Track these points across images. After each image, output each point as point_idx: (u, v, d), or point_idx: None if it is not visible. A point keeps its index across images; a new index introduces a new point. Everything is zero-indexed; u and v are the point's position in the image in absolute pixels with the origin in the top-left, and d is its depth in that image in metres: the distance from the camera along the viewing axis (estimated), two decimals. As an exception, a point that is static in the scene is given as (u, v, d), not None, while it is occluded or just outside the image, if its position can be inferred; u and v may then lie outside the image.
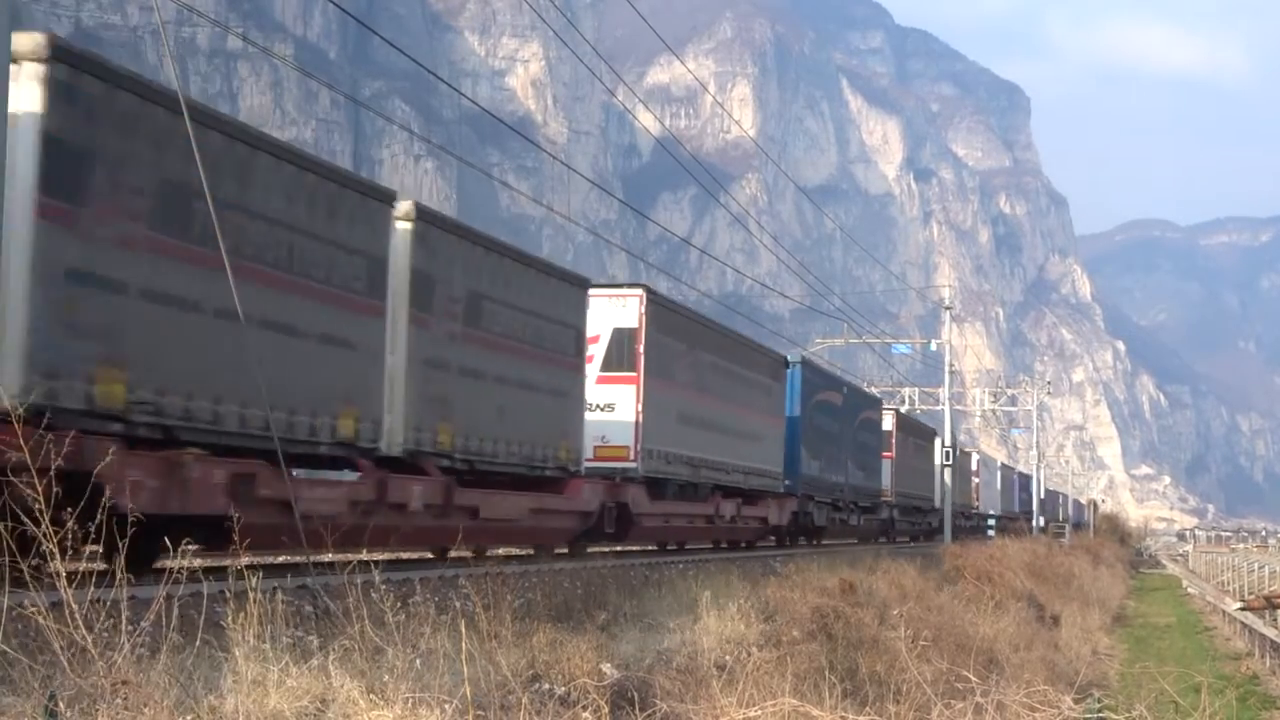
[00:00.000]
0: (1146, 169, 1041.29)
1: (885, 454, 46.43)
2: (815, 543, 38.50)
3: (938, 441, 51.87)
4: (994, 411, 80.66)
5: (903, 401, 64.02)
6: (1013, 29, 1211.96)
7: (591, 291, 23.02)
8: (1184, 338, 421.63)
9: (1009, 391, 76.72)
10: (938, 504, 52.35)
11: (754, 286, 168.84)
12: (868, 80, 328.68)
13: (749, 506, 30.57)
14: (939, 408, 53.64)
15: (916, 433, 54.22)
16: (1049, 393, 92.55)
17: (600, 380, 23.20)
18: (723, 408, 28.48)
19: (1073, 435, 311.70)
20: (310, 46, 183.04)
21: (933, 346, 58.99)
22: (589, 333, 22.65)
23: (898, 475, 48.21)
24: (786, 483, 33.53)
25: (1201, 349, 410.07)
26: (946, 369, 51.32)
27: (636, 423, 23.70)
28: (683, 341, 26.41)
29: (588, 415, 22.26)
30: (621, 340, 23.75)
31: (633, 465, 23.57)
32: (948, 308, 53.48)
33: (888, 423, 48.30)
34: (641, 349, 23.85)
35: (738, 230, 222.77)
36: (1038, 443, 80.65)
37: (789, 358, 35.35)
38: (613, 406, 23.50)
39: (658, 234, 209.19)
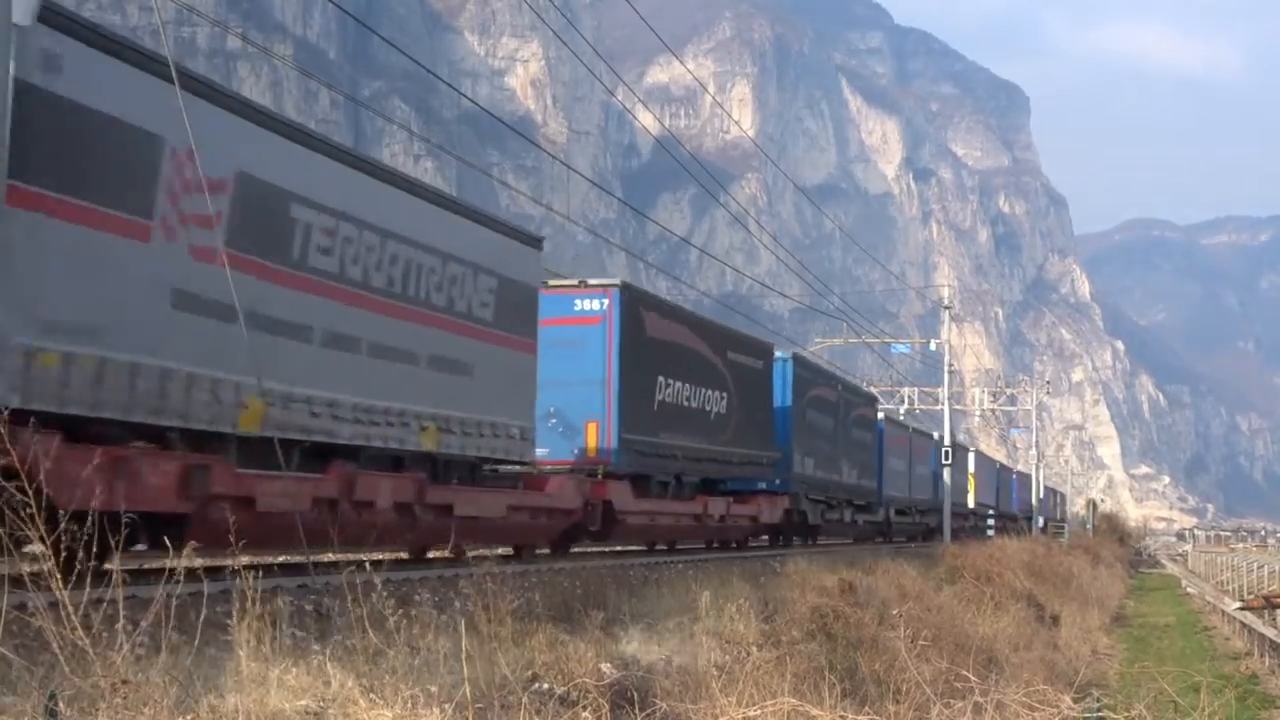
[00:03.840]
0: (1146, 169, 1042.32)
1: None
2: (810, 542, 37.72)
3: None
4: (993, 411, 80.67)
5: (902, 401, 64.07)
6: (1012, 29, 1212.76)
7: None
8: (1183, 337, 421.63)
9: (1008, 391, 76.77)
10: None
11: (754, 286, 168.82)
12: (867, 80, 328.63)
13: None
14: (938, 408, 53.66)
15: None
16: (1048, 392, 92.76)
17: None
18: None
19: (1072, 435, 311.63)
20: (310, 46, 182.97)
21: (932, 346, 58.99)
22: None
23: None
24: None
25: (1201, 349, 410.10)
26: (946, 369, 51.35)
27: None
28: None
29: None
30: None
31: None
32: (947, 307, 53.51)
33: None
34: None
35: (737, 230, 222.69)
36: (1037, 442, 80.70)
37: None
38: None
39: (657, 234, 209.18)
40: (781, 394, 33.14)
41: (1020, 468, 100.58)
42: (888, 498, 46.74)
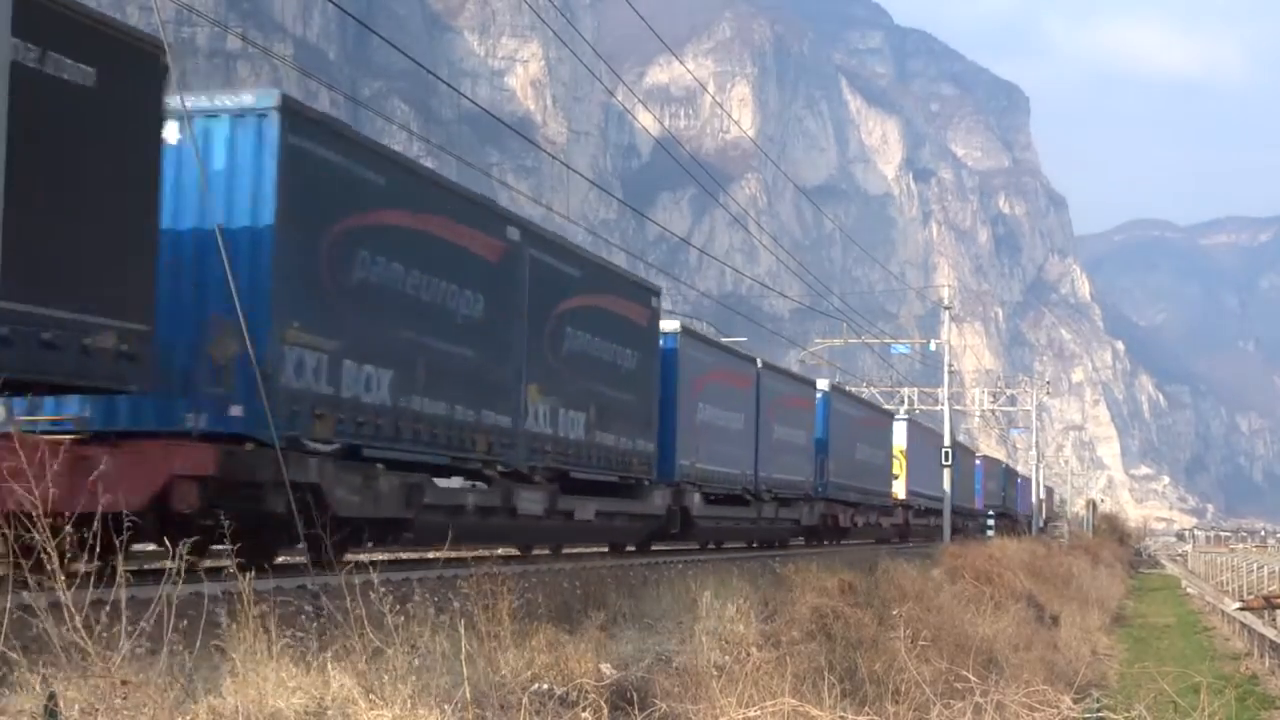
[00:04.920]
0: (1146, 169, 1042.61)
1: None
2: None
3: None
4: (993, 411, 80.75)
5: (902, 401, 64.04)
6: (1012, 29, 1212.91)
7: None
8: (1183, 338, 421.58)
9: (1008, 391, 76.90)
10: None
11: (753, 286, 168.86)
12: (867, 80, 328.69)
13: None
14: (938, 408, 53.65)
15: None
16: (1048, 393, 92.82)
17: None
18: None
19: (1072, 435, 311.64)
20: (310, 46, 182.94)
21: (932, 346, 59.03)
22: None
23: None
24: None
25: (1201, 349, 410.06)
26: (946, 369, 51.35)
27: None
28: None
29: None
30: None
31: None
32: (947, 308, 53.54)
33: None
34: None
35: (737, 230, 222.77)
36: (1037, 443, 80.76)
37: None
38: None
39: (657, 234, 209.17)
40: (247, 189, 13.68)
41: (1020, 467, 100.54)
42: (687, 473, 26.92)
